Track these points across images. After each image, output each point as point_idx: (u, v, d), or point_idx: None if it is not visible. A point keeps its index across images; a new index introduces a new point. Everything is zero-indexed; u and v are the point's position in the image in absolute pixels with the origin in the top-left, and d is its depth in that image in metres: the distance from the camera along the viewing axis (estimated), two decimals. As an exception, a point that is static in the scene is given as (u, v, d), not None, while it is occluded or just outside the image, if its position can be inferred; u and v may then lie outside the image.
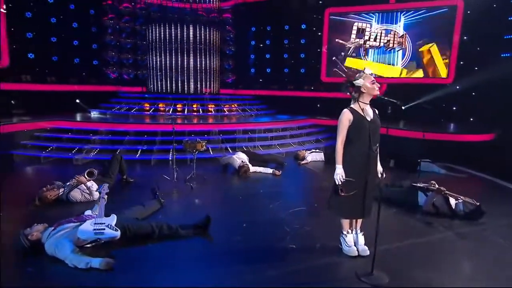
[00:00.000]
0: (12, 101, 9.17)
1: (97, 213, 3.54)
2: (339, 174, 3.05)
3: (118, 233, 3.32)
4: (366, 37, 11.08)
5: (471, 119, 9.92)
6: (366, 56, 11.19)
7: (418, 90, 10.26)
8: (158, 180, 5.65)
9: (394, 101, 2.81)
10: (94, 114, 9.61)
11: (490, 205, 4.57)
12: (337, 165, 3.09)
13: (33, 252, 3.22)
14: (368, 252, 3.27)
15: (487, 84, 8.77)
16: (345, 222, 3.36)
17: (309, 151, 7.67)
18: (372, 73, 3.08)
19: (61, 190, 4.65)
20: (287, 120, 9.87)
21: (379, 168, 3.25)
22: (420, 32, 10.30)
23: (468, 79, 9.43)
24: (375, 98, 3.10)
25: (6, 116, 8.14)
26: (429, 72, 10.41)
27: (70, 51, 10.73)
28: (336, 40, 11.39)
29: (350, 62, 11.37)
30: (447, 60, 10.13)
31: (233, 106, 10.97)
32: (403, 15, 10.48)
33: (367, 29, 11.03)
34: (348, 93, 3.18)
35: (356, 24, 11.15)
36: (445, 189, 4.49)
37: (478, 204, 4.28)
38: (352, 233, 3.38)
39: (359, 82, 3.06)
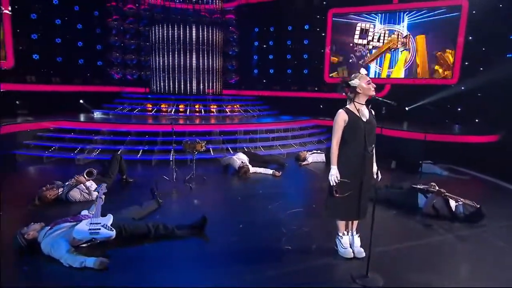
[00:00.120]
0: (16, 102, 9.28)
1: (93, 213, 3.55)
2: (334, 175, 3.02)
3: (113, 233, 3.33)
4: (370, 38, 11.02)
5: (477, 120, 9.80)
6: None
7: (422, 91, 10.19)
8: (157, 180, 5.65)
9: (389, 101, 2.77)
10: (97, 114, 9.69)
11: (491, 207, 4.51)
12: (332, 166, 3.06)
13: (29, 251, 3.24)
14: (364, 254, 3.23)
15: (493, 84, 8.66)
16: (341, 224, 3.33)
17: (310, 152, 7.63)
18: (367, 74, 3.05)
19: (61, 189, 4.69)
20: (289, 120, 9.84)
21: (375, 169, 3.22)
22: (424, 33, 10.20)
23: (473, 79, 9.32)
24: (370, 99, 3.07)
25: (11, 116, 8.23)
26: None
27: (74, 52, 10.84)
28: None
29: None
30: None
31: (235, 106, 10.97)
32: (406, 15, 10.40)
33: (371, 30, 10.96)
34: (343, 94, 3.15)
35: (359, 24, 11.09)
36: (445, 191, 4.44)
37: (478, 206, 4.22)
38: (348, 234, 3.35)
39: (354, 82, 3.04)
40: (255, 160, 6.71)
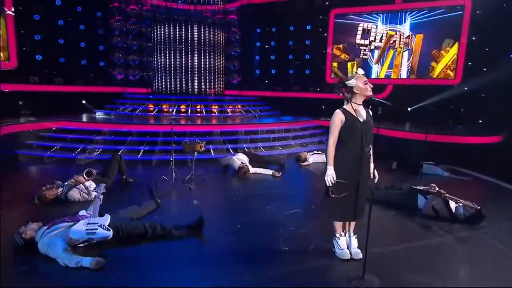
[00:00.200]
0: (19, 102, 9.35)
1: (91, 213, 3.57)
2: (330, 175, 3.01)
3: (110, 233, 3.33)
4: (372, 38, 10.97)
5: (480, 121, 9.72)
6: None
7: (424, 91, 10.12)
8: (157, 180, 5.67)
9: (385, 101, 2.75)
10: (99, 114, 9.73)
11: (492, 208, 4.47)
12: (328, 166, 3.05)
13: (26, 250, 3.26)
14: (361, 256, 3.21)
15: (496, 85, 8.59)
16: (338, 225, 3.31)
17: (311, 153, 7.61)
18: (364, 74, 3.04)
19: (60, 189, 4.71)
20: (290, 121, 9.83)
21: (372, 169, 3.20)
22: (427, 33, 10.14)
23: (476, 80, 9.25)
24: (367, 99, 3.05)
25: (13, 117, 8.30)
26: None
27: (77, 53, 10.89)
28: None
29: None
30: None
31: (236, 107, 10.97)
32: (409, 15, 10.34)
33: (373, 30, 10.91)
34: (340, 94, 3.14)
35: (361, 25, 11.04)
36: (445, 192, 4.40)
37: (478, 207, 4.18)
38: (345, 236, 3.33)
39: (351, 82, 3.02)
40: (255, 160, 6.70)
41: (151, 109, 10.17)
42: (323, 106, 11.56)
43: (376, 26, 10.86)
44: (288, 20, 12.33)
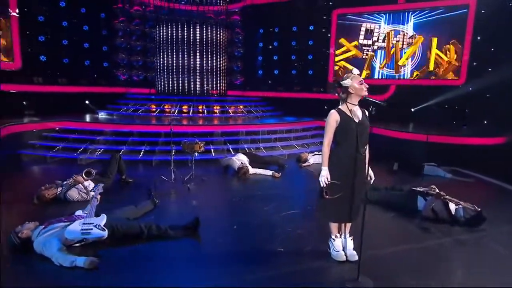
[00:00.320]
0: (24, 102, 9.45)
1: (87, 213, 3.58)
2: (324, 176, 2.98)
3: (105, 233, 3.34)
4: (375, 38, 10.90)
5: (485, 122, 9.60)
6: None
7: (428, 92, 10.04)
8: (156, 180, 5.68)
9: (378, 101, 2.72)
10: (101, 115, 9.80)
11: (494, 210, 4.40)
12: (322, 167, 3.02)
13: (23, 249, 3.27)
14: (356, 257, 3.17)
15: (501, 85, 8.48)
16: (333, 226, 3.28)
17: (312, 154, 7.57)
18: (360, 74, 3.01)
19: (59, 189, 4.74)
20: (292, 122, 9.80)
21: (369, 170, 3.16)
22: (430, 33, 10.04)
23: (481, 80, 9.14)
24: (362, 99, 3.02)
25: (17, 117, 8.38)
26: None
27: (81, 54, 10.97)
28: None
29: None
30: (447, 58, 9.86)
31: (239, 107, 10.97)
32: (412, 15, 10.26)
33: (376, 30, 10.84)
34: (336, 94, 3.11)
35: (364, 25, 10.98)
36: (444, 194, 4.34)
37: (479, 209, 4.11)
38: (340, 237, 3.30)
39: (346, 82, 2.99)
40: (255, 161, 6.68)
41: (153, 109, 10.21)
42: (325, 107, 11.50)
43: (379, 26, 10.79)
44: (291, 21, 12.30)
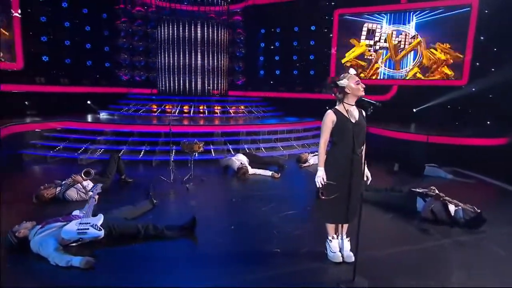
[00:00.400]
0: (26, 102, 9.50)
1: (84, 213, 3.59)
2: (320, 176, 2.96)
3: (101, 233, 3.34)
4: (377, 38, 10.85)
5: (488, 122, 9.52)
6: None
7: (430, 92, 9.98)
8: (155, 180, 5.68)
9: (373, 101, 2.69)
10: (102, 115, 9.83)
11: (494, 212, 4.37)
12: (318, 167, 3.01)
13: (20, 249, 3.28)
14: (353, 259, 3.14)
15: (505, 85, 8.41)
16: (330, 227, 3.26)
17: (312, 154, 7.54)
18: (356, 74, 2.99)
19: (58, 189, 4.75)
20: (292, 122, 9.78)
21: (366, 171, 3.13)
22: (433, 33, 9.99)
23: (484, 80, 9.07)
24: (358, 99, 3.00)
25: (19, 117, 8.43)
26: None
27: (83, 54, 11.03)
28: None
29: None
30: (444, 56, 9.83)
31: (240, 107, 10.97)
32: (414, 15, 10.20)
33: (378, 30, 10.79)
34: (332, 94, 3.09)
35: (366, 25, 10.94)
36: (444, 195, 4.31)
37: (479, 211, 4.07)
38: (337, 238, 3.28)
39: (343, 82, 2.97)
40: (255, 161, 6.67)
41: (154, 109, 10.23)
42: (327, 107, 11.41)
43: (381, 26, 10.74)
44: (292, 21, 12.29)
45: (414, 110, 10.13)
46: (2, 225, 3.77)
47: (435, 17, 9.92)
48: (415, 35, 10.26)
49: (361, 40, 11.03)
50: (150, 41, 12.11)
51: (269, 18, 12.61)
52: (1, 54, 7.89)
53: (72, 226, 3.33)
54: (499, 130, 8.08)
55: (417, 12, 10.13)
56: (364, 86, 2.99)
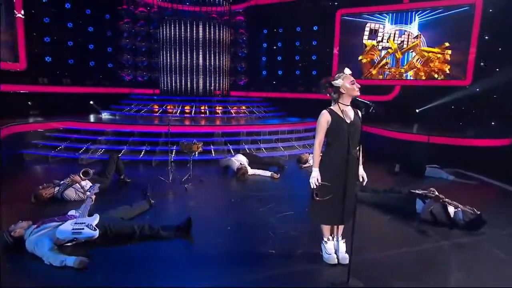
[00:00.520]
0: (29, 102, 9.57)
1: (80, 213, 3.59)
2: (315, 177, 2.94)
3: (96, 233, 3.34)
4: (379, 38, 10.77)
5: (492, 123, 9.41)
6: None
7: (433, 92, 9.88)
8: (154, 181, 5.68)
9: (367, 102, 2.66)
10: (104, 115, 9.87)
11: (495, 213, 4.32)
12: (313, 168, 2.98)
13: (15, 249, 3.29)
14: (348, 260, 3.11)
15: (509, 86, 8.30)
16: (325, 229, 3.23)
17: (313, 154, 7.48)
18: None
19: (56, 188, 4.76)
20: (293, 122, 9.74)
21: (361, 171, 3.10)
22: (436, 32, 9.89)
23: (488, 80, 8.96)
24: (352, 100, 2.96)
25: (22, 117, 8.48)
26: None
27: (86, 55, 11.08)
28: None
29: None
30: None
31: (241, 108, 10.95)
32: (417, 15, 10.11)
33: (380, 30, 10.72)
34: (327, 94, 3.06)
35: (368, 25, 10.86)
36: (443, 196, 4.25)
37: (478, 213, 4.01)
38: (333, 240, 3.24)
39: (338, 82, 2.94)
40: (255, 162, 6.64)
41: (156, 110, 10.25)
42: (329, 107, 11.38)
43: (384, 26, 10.67)
44: (294, 21, 12.25)
45: (417, 110, 10.04)
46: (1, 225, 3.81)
47: (438, 16, 9.82)
48: (418, 35, 10.16)
49: (363, 39, 10.96)
50: (152, 41, 12.15)
51: (271, 18, 12.58)
52: (1, 54, 7.93)
53: (67, 226, 3.33)
54: (504, 131, 7.98)
55: (419, 12, 10.03)
56: (359, 86, 2.95)
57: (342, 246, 3.22)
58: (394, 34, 10.54)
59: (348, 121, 2.96)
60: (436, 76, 9.99)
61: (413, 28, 10.22)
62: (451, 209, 4.14)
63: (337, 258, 3.17)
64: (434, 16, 9.89)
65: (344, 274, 2.90)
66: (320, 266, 3.17)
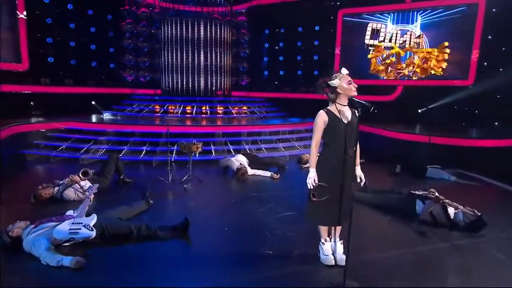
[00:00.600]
0: (31, 103, 9.62)
1: (78, 213, 3.60)
2: (312, 178, 2.92)
3: (92, 233, 3.34)
4: (381, 38, 10.72)
5: (496, 123, 9.32)
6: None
7: (436, 92, 9.82)
8: (154, 181, 5.68)
9: (363, 102, 2.63)
10: (106, 115, 9.90)
11: (496, 215, 4.28)
12: (310, 169, 2.97)
13: (13, 248, 3.30)
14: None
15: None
16: (323, 229, 3.21)
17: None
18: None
19: (56, 188, 4.78)
20: (294, 122, 9.71)
21: (358, 172, 3.08)
22: (438, 32, 9.82)
23: (492, 80, 8.88)
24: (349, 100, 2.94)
25: (24, 117, 8.53)
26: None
27: (88, 55, 11.13)
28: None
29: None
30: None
31: (242, 108, 10.95)
32: (420, 14, 10.05)
33: (382, 30, 10.66)
34: (324, 94, 3.04)
35: (370, 24, 10.81)
36: (443, 197, 4.21)
37: (479, 214, 3.97)
38: (330, 241, 3.22)
39: (334, 82, 2.92)
40: (255, 162, 6.63)
41: (157, 110, 10.27)
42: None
43: (386, 26, 10.61)
44: (296, 21, 12.22)
45: (420, 111, 9.98)
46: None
47: (440, 16, 9.75)
48: (420, 35, 10.10)
49: (365, 39, 10.91)
50: (154, 42, 12.18)
51: (273, 18, 12.55)
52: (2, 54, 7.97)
53: (65, 226, 3.34)
54: (507, 131, 7.89)
55: (422, 11, 9.97)
56: (356, 86, 2.92)
57: (340, 248, 3.20)
58: (396, 34, 10.48)
59: (345, 121, 2.94)
60: (432, 72, 9.94)
61: (416, 28, 10.15)
62: (451, 210, 4.10)
63: (335, 259, 3.15)
64: (436, 16, 9.82)
65: (341, 276, 2.87)
66: (317, 267, 3.16)
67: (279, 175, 6.33)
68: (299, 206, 4.88)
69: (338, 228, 3.23)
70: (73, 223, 3.37)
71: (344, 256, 3.13)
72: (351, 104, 2.83)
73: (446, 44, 9.68)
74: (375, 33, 10.79)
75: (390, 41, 10.58)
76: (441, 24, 9.76)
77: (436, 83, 9.97)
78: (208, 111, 10.30)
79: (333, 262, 3.13)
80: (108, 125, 8.46)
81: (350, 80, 2.91)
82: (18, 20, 8.92)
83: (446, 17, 9.68)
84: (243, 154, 6.81)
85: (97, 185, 4.57)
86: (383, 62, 10.74)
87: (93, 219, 3.49)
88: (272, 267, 3.16)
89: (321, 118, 2.95)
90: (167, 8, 12.14)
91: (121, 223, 3.68)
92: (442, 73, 9.84)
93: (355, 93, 2.91)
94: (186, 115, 10.07)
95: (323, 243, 3.21)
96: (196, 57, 11.17)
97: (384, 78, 10.76)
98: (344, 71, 2.96)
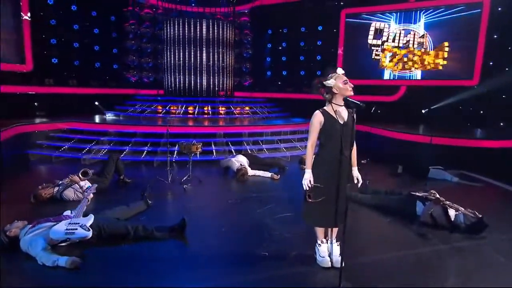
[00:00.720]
0: (35, 103, 9.71)
1: (75, 213, 3.61)
2: (307, 179, 2.89)
3: (89, 233, 3.34)
4: (384, 38, 10.64)
5: (501, 124, 9.20)
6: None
7: (440, 92, 9.72)
8: (154, 181, 5.69)
9: (357, 102, 2.60)
10: (108, 116, 9.95)
11: (498, 216, 4.21)
12: (306, 169, 2.94)
13: (10, 248, 3.32)
14: (342, 264, 3.05)
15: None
16: (319, 231, 3.18)
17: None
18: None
19: (56, 188, 4.80)
20: (296, 123, 9.67)
21: (356, 173, 3.05)
22: (442, 32, 9.72)
23: (497, 80, 8.77)
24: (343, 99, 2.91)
25: (28, 118, 8.61)
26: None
27: (91, 56, 11.21)
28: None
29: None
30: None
31: (244, 108, 10.93)
32: (423, 14, 9.95)
33: (385, 30, 10.58)
34: (320, 95, 3.01)
35: (373, 24, 10.74)
36: (444, 199, 4.15)
37: (480, 216, 3.90)
38: (327, 242, 3.19)
39: (330, 82, 2.89)
40: (255, 162, 6.61)
41: (160, 110, 10.30)
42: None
43: (389, 25, 10.53)
44: (299, 21, 12.19)
45: (423, 111, 9.89)
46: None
47: (444, 15, 9.65)
48: (423, 34, 10.00)
49: (368, 39, 10.84)
50: (157, 42, 12.22)
51: (276, 18, 12.55)
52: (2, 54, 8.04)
53: (61, 226, 3.35)
54: (507, 132, 7.79)
55: (425, 11, 9.87)
56: (352, 85, 2.89)
57: (336, 249, 3.16)
58: (400, 33, 10.39)
59: (341, 122, 2.91)
60: (428, 67, 9.85)
61: (419, 27, 10.05)
62: (451, 212, 4.04)
63: (331, 261, 3.11)
64: (440, 15, 9.72)
65: (337, 278, 2.84)
66: (313, 269, 3.13)
67: (279, 175, 6.31)
68: (298, 207, 4.85)
69: (335, 230, 3.20)
70: (69, 224, 3.38)
71: (340, 258, 3.09)
72: (346, 104, 2.79)
73: (446, 44, 9.58)
74: (378, 33, 10.72)
75: (393, 41, 10.50)
76: (445, 24, 9.67)
77: (440, 83, 9.87)
78: (210, 112, 10.30)
79: (329, 264, 3.10)
80: (110, 125, 8.51)
81: (346, 80, 2.88)
82: (23, 22, 9.00)
83: (450, 16, 9.58)
84: (243, 155, 6.80)
85: (96, 185, 4.58)
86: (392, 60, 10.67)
87: (90, 220, 3.50)
88: (268, 268, 3.14)
89: (317, 118, 2.92)
90: (170, 8, 12.18)
91: (118, 223, 3.68)
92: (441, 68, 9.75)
93: (351, 93, 2.88)
94: (188, 116, 10.08)
95: (319, 244, 3.18)
96: (198, 57, 11.18)
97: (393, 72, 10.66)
98: (340, 71, 2.93)
